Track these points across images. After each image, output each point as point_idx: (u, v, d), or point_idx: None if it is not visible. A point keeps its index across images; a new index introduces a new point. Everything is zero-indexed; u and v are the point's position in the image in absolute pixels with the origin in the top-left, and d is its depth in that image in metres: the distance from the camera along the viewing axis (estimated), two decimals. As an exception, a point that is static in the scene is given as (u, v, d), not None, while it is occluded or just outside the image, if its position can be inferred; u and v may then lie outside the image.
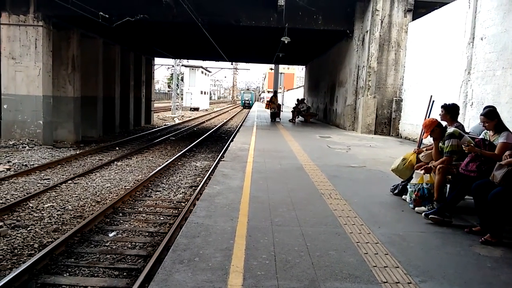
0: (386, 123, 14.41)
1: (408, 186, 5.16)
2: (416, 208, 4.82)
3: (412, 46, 13.50)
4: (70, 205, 7.07)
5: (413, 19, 13.65)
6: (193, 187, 8.74)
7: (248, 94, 63.03)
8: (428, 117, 5.56)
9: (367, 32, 14.22)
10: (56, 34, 14.23)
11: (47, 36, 13.48)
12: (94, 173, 9.79)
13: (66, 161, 11.19)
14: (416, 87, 12.86)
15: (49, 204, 7.00)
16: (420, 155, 5.28)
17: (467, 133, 5.01)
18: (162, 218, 6.58)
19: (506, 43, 8.11)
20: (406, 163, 5.43)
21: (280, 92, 40.07)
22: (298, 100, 22.38)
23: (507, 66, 8.05)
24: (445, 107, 5.10)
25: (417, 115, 11.91)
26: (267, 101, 23.27)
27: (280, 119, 21.14)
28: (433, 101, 5.72)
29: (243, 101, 61.87)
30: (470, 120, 9.18)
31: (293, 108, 22.00)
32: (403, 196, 5.38)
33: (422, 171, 4.87)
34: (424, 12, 12.91)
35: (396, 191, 5.63)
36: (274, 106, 21.02)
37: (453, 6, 10.73)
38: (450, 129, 4.62)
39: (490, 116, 4.26)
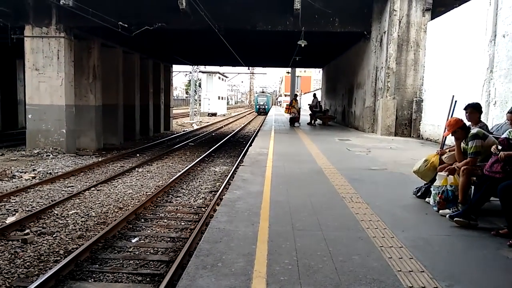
0: (407, 124, 14.18)
1: (431, 189, 5.06)
2: (440, 211, 4.72)
3: (431, 46, 13.27)
4: (93, 211, 7.20)
5: (432, 18, 13.43)
6: (213, 192, 8.79)
7: (263, 98, 53.51)
8: (451, 117, 5.45)
9: (385, 32, 14.07)
10: (77, 45, 14.59)
11: (69, 47, 13.84)
12: (116, 180, 9.96)
13: (88, 169, 11.42)
14: (437, 87, 12.62)
15: (73, 211, 7.15)
16: (443, 157, 5.17)
17: (491, 133, 4.89)
18: (183, 224, 6.64)
19: (530, 40, 7.89)
20: (428, 165, 5.33)
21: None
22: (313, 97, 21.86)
23: (532, 63, 7.82)
24: (473, 106, 4.97)
25: (439, 116, 11.67)
26: (287, 104, 22.43)
27: (299, 123, 20.47)
28: (456, 101, 5.61)
29: (257, 106, 53.09)
30: (494, 119, 8.94)
31: (309, 108, 21.62)
32: (427, 199, 5.28)
33: (446, 173, 4.77)
34: (443, 11, 12.68)
35: (419, 193, 5.52)
36: (294, 110, 20.24)
37: (473, 4, 10.51)
38: (474, 130, 4.52)
39: None
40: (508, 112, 4.25)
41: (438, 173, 4.99)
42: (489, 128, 5.19)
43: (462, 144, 4.67)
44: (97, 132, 15.67)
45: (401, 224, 4.37)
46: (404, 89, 13.99)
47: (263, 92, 60.40)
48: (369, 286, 2.90)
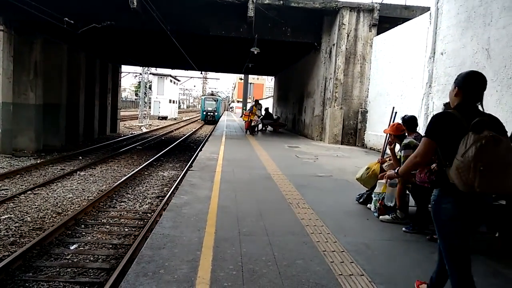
0: (352, 134, 14.76)
1: (372, 195, 5.28)
2: (381, 217, 4.93)
3: (376, 60, 13.96)
4: (29, 216, 6.75)
5: (378, 33, 14.14)
6: (160, 198, 8.58)
7: (212, 102, 41.65)
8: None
9: (334, 45, 14.59)
10: (18, 39, 13.69)
11: (8, 41, 12.96)
12: (55, 183, 9.42)
13: (25, 171, 10.71)
14: (380, 99, 13.27)
15: (6, 216, 6.66)
16: (384, 165, 5.42)
17: None
18: (126, 230, 6.40)
19: (464, 58, 8.53)
20: (370, 172, 5.57)
21: (249, 102, 36.02)
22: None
23: (465, 80, 8.45)
24: (402, 119, 5.28)
25: (382, 126, 12.20)
26: (248, 110, 19.58)
27: (258, 131, 19.08)
28: (396, 113, 5.91)
29: (204, 113, 41.37)
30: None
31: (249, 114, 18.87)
32: (368, 205, 5.50)
33: (384, 180, 5.00)
34: (388, 27, 13.40)
35: (361, 200, 5.75)
36: (255, 117, 18.54)
37: (415, 22, 11.21)
38: (406, 140, 4.78)
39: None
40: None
41: (379, 180, 5.22)
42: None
43: (398, 152, 4.94)
44: (37, 132, 14.74)
45: (343, 229, 4.51)
46: (350, 100, 14.56)
47: (212, 94, 47.52)
48: (311, 290, 2.95)
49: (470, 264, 2.47)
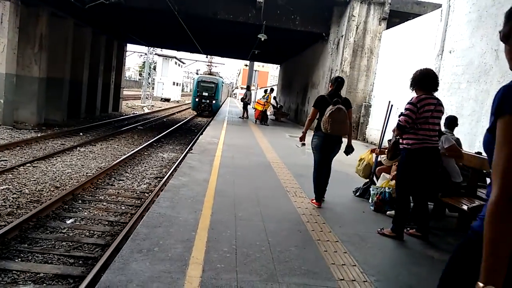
0: (354, 127, 14.71)
1: (371, 189, 5.29)
2: (388, 212, 4.92)
3: (384, 54, 13.84)
4: (27, 188, 6.78)
5: (387, 27, 14.00)
6: (159, 178, 8.60)
7: (210, 85, 28.03)
8: (387, 122, 5.76)
9: (342, 36, 14.45)
10: (25, 11, 13.56)
11: (15, 11, 12.84)
12: (55, 158, 9.44)
13: (26, 143, 10.72)
14: (385, 94, 13.20)
15: (4, 187, 6.69)
16: (383, 159, 5.43)
17: None
18: (123, 208, 6.43)
19: (472, 58, 8.45)
20: (365, 162, 5.75)
21: (253, 89, 34.24)
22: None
23: (472, 80, 8.40)
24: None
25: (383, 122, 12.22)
26: (264, 99, 17.87)
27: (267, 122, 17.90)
28: (392, 106, 5.94)
29: (197, 100, 27.98)
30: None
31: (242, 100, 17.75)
32: (366, 197, 5.53)
33: (388, 175, 5.01)
34: (398, 22, 13.26)
35: (358, 193, 5.77)
36: (270, 107, 17.42)
37: (426, 18, 11.08)
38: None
39: None
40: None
41: (383, 174, 5.25)
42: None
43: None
44: (39, 105, 14.70)
45: (339, 220, 4.53)
46: (355, 93, 14.48)
47: (211, 74, 33.67)
48: (303, 276, 2.98)
49: (321, 171, 5.08)
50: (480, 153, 5.17)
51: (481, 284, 1.10)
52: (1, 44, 12.54)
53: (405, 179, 4.06)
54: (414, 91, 4.06)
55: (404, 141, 4.00)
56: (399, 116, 3.96)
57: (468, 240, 1.32)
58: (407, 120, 3.84)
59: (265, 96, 18.29)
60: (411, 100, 3.91)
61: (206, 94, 27.82)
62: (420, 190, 4.16)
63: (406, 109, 3.89)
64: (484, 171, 4.95)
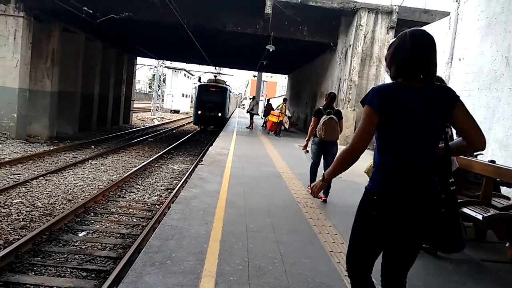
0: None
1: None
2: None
3: (392, 63, 13.78)
4: (40, 202, 6.85)
5: (395, 36, 13.96)
6: (169, 190, 8.63)
7: (215, 94, 23.50)
8: None
9: (350, 46, 14.47)
10: (37, 26, 13.88)
11: (28, 27, 13.15)
12: (67, 171, 9.54)
13: (38, 157, 10.87)
14: (395, 102, 13.12)
15: (18, 200, 6.77)
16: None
17: None
18: (135, 220, 6.46)
19: (482, 66, 8.39)
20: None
21: (261, 100, 34.40)
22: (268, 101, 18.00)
23: (482, 87, 8.32)
24: None
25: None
26: (278, 110, 17.38)
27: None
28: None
29: (199, 112, 22.90)
30: (445, 137, 9.41)
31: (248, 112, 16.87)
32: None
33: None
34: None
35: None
36: (285, 118, 17.02)
37: (434, 26, 11.05)
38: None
39: None
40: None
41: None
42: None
43: None
44: (51, 119, 14.94)
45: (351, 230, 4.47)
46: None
47: (216, 81, 26.55)
48: (317, 289, 2.94)
49: (317, 166, 6.10)
50: (493, 161, 5.10)
51: (322, 178, 2.20)
52: (15, 59, 12.82)
53: None
54: None
55: None
56: None
57: (363, 195, 2.06)
58: None
59: (279, 107, 17.71)
60: None
61: (211, 105, 22.72)
62: None
63: None
64: (498, 180, 4.87)
